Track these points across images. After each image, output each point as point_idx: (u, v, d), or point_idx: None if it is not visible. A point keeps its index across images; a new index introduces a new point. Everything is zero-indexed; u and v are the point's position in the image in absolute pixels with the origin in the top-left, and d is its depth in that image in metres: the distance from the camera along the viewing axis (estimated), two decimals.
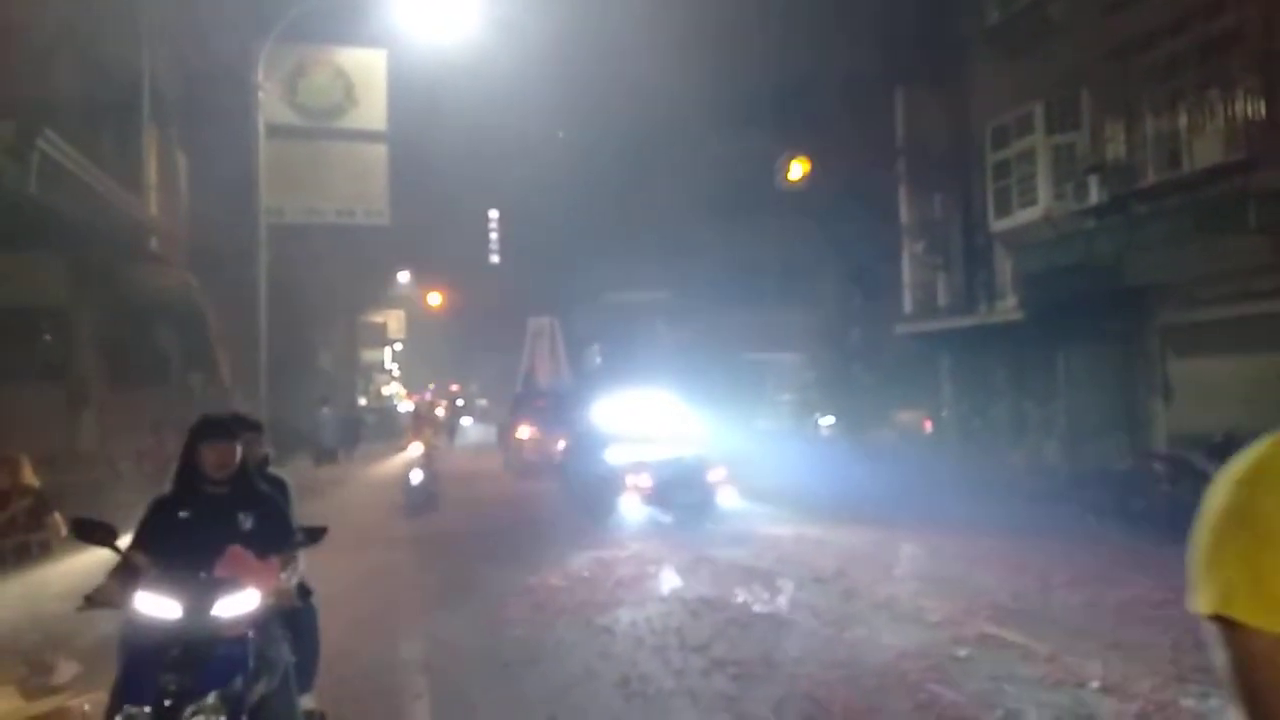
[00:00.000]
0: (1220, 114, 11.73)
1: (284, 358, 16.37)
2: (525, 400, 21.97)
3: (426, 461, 13.52)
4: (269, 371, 13.58)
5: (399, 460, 13.02)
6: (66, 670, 5.79)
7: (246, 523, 3.25)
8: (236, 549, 3.05)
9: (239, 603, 2.88)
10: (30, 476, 6.36)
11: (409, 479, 13.13)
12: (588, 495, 12.38)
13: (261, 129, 12.71)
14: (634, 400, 14.26)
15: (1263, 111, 11.12)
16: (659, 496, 11.48)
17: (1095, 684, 5.20)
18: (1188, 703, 4.86)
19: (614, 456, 12.10)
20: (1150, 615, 6.64)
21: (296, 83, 13.47)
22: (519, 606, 7.43)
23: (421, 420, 14.79)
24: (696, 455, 12.13)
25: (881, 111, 18.05)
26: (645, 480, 11.43)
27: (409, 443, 14.17)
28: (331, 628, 6.84)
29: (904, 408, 16.45)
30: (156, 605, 2.84)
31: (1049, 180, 14.31)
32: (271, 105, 12.93)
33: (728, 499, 11.88)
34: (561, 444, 17.09)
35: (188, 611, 2.78)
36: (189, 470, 3.31)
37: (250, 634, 2.92)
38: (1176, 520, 9.59)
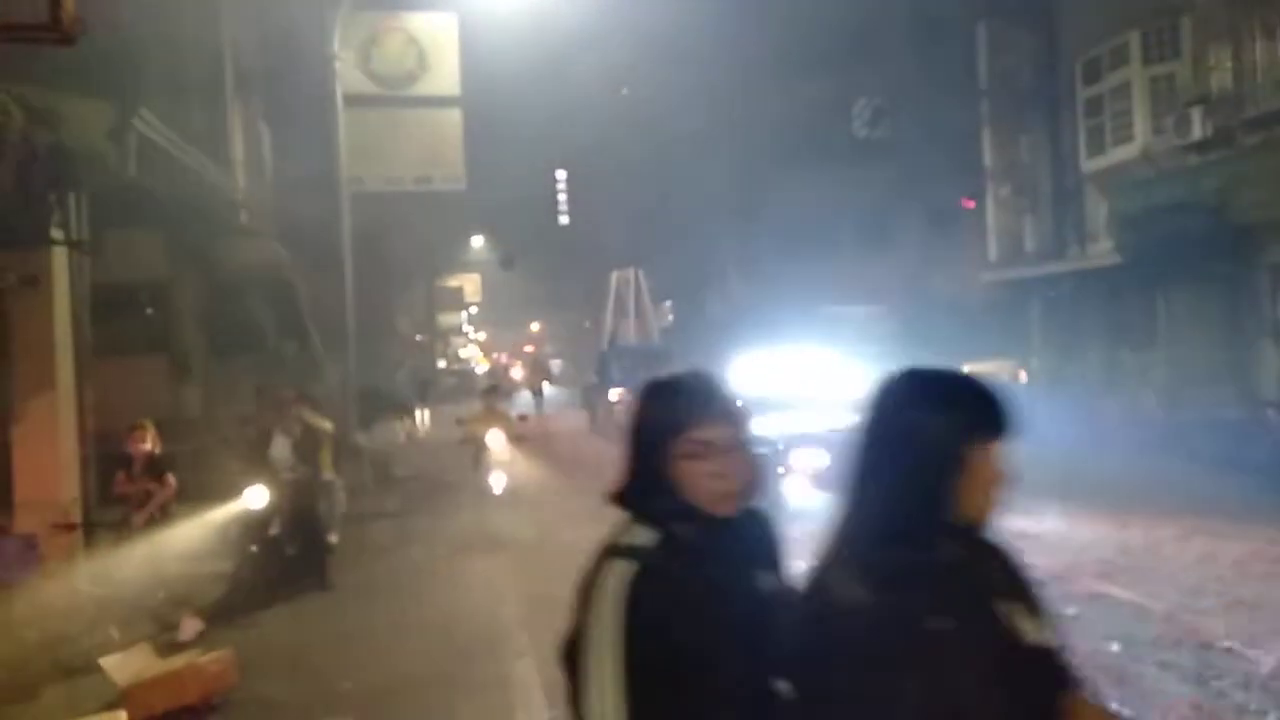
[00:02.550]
0: None
1: (367, 324, 16.79)
2: (613, 359, 20.82)
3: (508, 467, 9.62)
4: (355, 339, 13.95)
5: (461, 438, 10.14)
6: (191, 627, 6.13)
7: None
8: None
9: None
10: (155, 442, 6.68)
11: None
12: None
13: (340, 99, 12.89)
14: (779, 357, 11.73)
15: None
16: (836, 479, 10.01)
17: (1222, 644, 5.01)
18: None
19: (771, 427, 9.66)
20: (1272, 571, 6.37)
21: (370, 51, 13.57)
22: None
23: (495, 398, 10.40)
24: None
25: (962, 49, 17.30)
26: (818, 458, 9.08)
27: (479, 429, 9.59)
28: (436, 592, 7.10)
29: (991, 358, 15.94)
30: None
31: (1147, 115, 13.55)
32: (348, 75, 13.07)
33: None
34: None
35: None
36: None
37: None
38: None
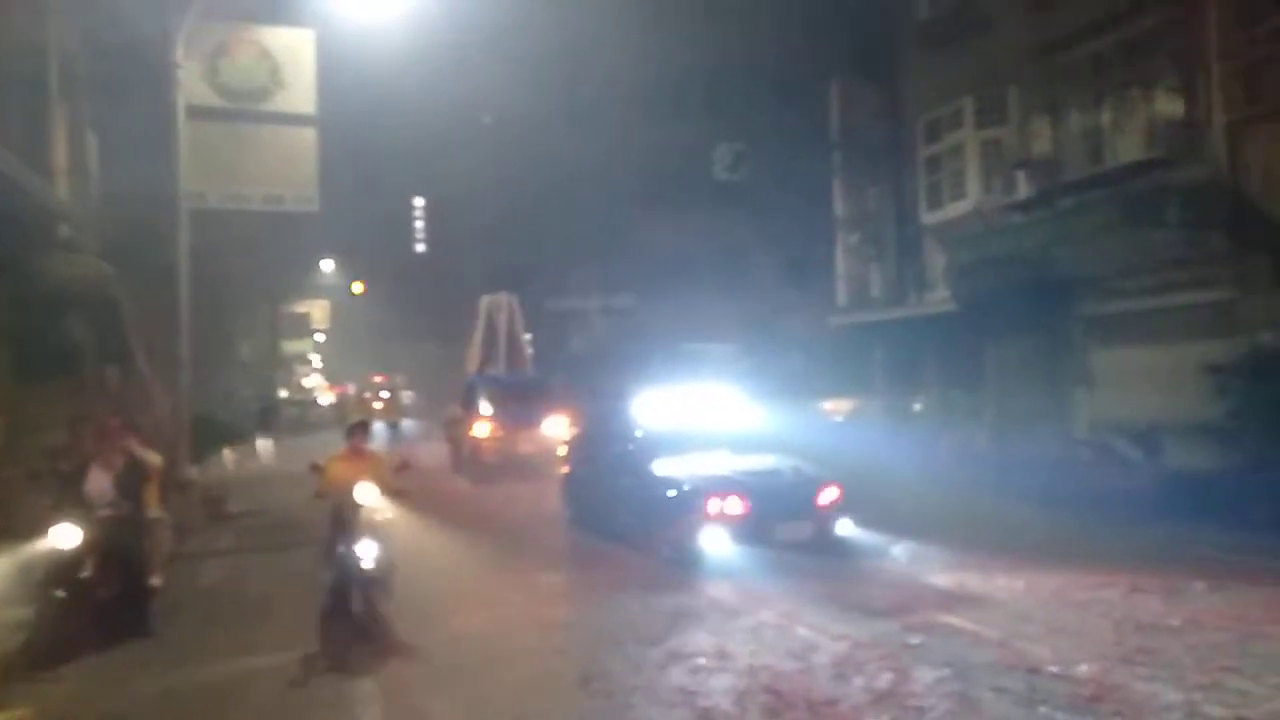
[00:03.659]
0: (1141, 112, 12.19)
1: (203, 349, 15.71)
2: (483, 390, 18.73)
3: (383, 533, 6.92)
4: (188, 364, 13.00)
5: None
6: None
7: None
8: None
9: None
10: None
11: (347, 556, 6.51)
12: (641, 523, 9.09)
13: (181, 110, 12.10)
14: (678, 394, 10.69)
15: (1181, 110, 11.59)
16: (754, 528, 8.27)
17: (1048, 668, 5.33)
18: (1138, 685, 5.01)
19: (682, 469, 8.99)
20: (1086, 599, 6.86)
21: (219, 63, 12.84)
22: None
23: (363, 437, 7.25)
24: (795, 468, 9.24)
25: (816, 104, 18.25)
26: (735, 505, 8.29)
27: (342, 477, 6.86)
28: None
29: (836, 396, 16.69)
30: None
31: (978, 174, 14.68)
32: (192, 85, 12.30)
33: (845, 530, 8.89)
34: (555, 446, 14.54)
35: None
36: None
37: None
38: (1100, 503, 9.95)
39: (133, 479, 6.65)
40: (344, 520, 6.67)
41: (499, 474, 15.89)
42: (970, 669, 5.37)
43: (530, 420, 16.98)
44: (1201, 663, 5.33)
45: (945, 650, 5.74)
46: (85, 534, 6.23)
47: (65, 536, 6.17)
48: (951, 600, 7.00)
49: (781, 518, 8.52)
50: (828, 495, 8.82)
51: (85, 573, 6.21)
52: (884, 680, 5.23)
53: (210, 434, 14.94)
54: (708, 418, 10.27)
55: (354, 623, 6.38)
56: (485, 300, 23.24)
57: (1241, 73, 10.80)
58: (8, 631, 6.22)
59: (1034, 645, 5.77)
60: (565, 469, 11.80)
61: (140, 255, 13.95)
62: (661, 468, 9.22)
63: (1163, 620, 6.25)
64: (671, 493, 8.79)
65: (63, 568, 6.17)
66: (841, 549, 8.79)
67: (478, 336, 22.90)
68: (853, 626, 6.33)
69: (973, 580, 7.62)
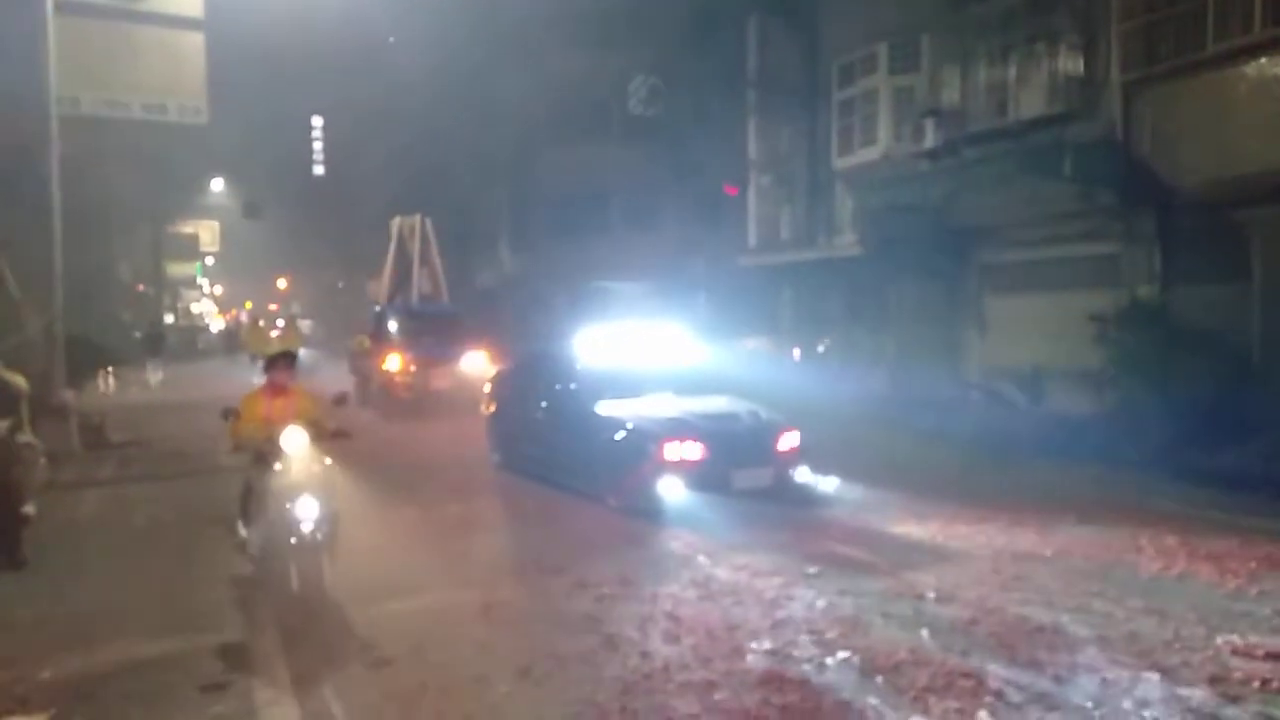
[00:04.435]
0: (1045, 67, 12.51)
1: (77, 268, 14.70)
2: (394, 320, 17.45)
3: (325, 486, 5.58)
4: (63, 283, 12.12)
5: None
6: None
7: None
8: None
9: None
10: None
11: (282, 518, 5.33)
12: (584, 470, 8.50)
13: (50, 4, 11.04)
14: (617, 332, 9.91)
15: (1081, 68, 11.96)
16: (712, 475, 7.79)
17: (931, 594, 5.60)
18: (1012, 609, 5.33)
19: (630, 411, 8.37)
20: (969, 531, 7.23)
21: None
22: None
23: (287, 372, 6.14)
24: (751, 411, 8.68)
25: (734, 41, 18.06)
26: (692, 450, 7.80)
27: (261, 420, 5.82)
28: None
29: (748, 336, 16.91)
30: None
31: (889, 121, 14.87)
32: None
33: (803, 477, 8.47)
34: (473, 382, 13.83)
35: None
36: None
37: None
38: (986, 443, 10.44)
39: (1, 403, 6.19)
40: (272, 473, 5.44)
41: (412, 411, 15.09)
42: (863, 595, 5.60)
43: (446, 355, 16.10)
44: (1069, 588, 5.70)
45: (841, 579, 5.96)
46: None
47: None
48: (847, 533, 7.26)
49: (740, 464, 7.99)
50: (787, 441, 8.35)
51: None
52: (781, 611, 5.40)
53: (88, 357, 14.09)
54: (650, 357, 9.59)
55: (293, 602, 5.18)
56: (396, 221, 21.27)
57: (1140, 31, 11.17)
58: None
59: (919, 574, 6.05)
60: (491, 408, 10.96)
61: (6, 163, 12.85)
62: (608, 409, 8.52)
63: (1037, 551, 6.64)
64: (620, 436, 8.17)
65: None
66: (801, 497, 8.33)
67: (388, 262, 21.09)
68: (751, 558, 6.49)
69: (869, 513, 7.91)
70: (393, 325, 17.20)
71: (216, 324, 48.10)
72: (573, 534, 7.39)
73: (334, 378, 19.38)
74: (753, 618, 5.25)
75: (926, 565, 6.28)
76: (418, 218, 20.58)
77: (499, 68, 27.55)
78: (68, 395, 11.06)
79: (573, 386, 9.26)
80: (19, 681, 4.31)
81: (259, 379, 25.24)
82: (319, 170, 51.71)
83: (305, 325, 35.65)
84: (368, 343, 17.74)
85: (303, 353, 28.43)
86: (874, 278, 14.99)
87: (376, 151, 40.19)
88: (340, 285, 48.42)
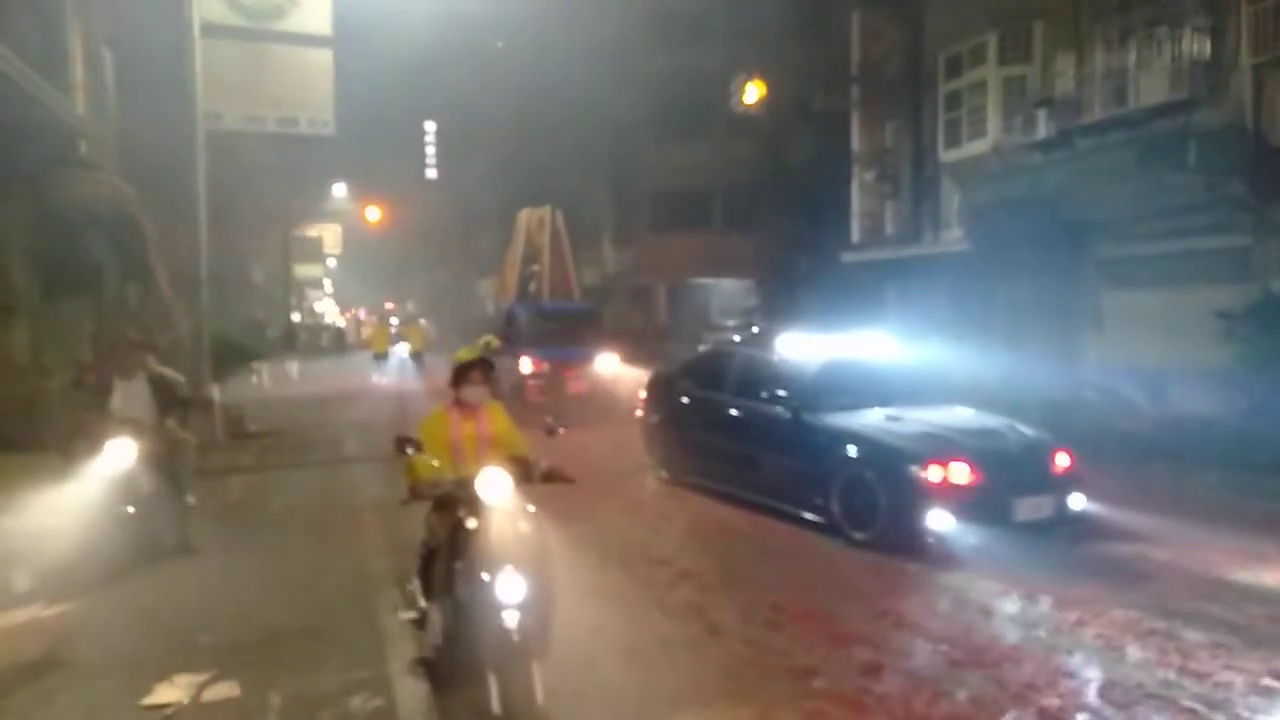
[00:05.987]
0: (1167, 52, 11.99)
1: (218, 272, 15.85)
2: (524, 321, 16.31)
3: (535, 554, 3.95)
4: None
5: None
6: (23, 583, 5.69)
7: None
8: None
9: None
10: None
11: (478, 596, 3.81)
12: (810, 495, 7.24)
13: (197, 26, 12.00)
14: (818, 338, 8.61)
15: (1207, 51, 11.41)
16: (988, 504, 6.48)
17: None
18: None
19: (871, 425, 7.13)
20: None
21: None
22: None
23: (484, 386, 4.49)
24: (1010, 426, 7.32)
25: (837, 36, 17.93)
26: (961, 473, 6.50)
27: (451, 445, 4.33)
28: None
29: (865, 331, 16.69)
30: None
31: (999, 112, 14.52)
32: (206, 2, 12.16)
33: (1079, 504, 6.94)
34: (610, 385, 13.20)
35: None
36: None
37: None
38: (1104, 444, 10.04)
39: (166, 398, 6.84)
40: (465, 535, 3.91)
41: (549, 417, 14.44)
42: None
43: (581, 356, 15.32)
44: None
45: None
46: (140, 450, 6.35)
47: (122, 453, 6.28)
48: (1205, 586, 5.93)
49: (1021, 490, 6.61)
50: (1062, 461, 6.98)
51: (148, 489, 6.36)
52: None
53: (229, 355, 15.20)
54: (866, 361, 8.41)
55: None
56: (524, 215, 19.81)
57: (1272, 13, 10.59)
58: (74, 545, 6.25)
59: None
60: (651, 416, 9.73)
61: (159, 176, 14.00)
62: (839, 422, 7.31)
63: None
64: (865, 456, 6.89)
65: (128, 484, 6.25)
66: (1089, 529, 6.99)
67: (515, 257, 19.58)
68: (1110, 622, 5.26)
69: (1197, 558, 6.52)
70: (523, 325, 16.18)
71: (338, 321, 50.58)
72: (826, 581, 6.06)
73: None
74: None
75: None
76: (547, 209, 19.25)
77: (602, 68, 28.06)
78: (213, 390, 12.00)
79: (782, 393, 7.91)
80: (184, 648, 4.84)
81: (382, 376, 25.83)
82: (432, 174, 53.63)
83: (423, 324, 36.74)
84: (496, 343, 16.13)
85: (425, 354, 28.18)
86: (982, 274, 14.65)
87: (486, 154, 41.47)
88: (451, 285, 50.17)
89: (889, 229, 17.52)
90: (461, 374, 4.45)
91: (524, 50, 34.15)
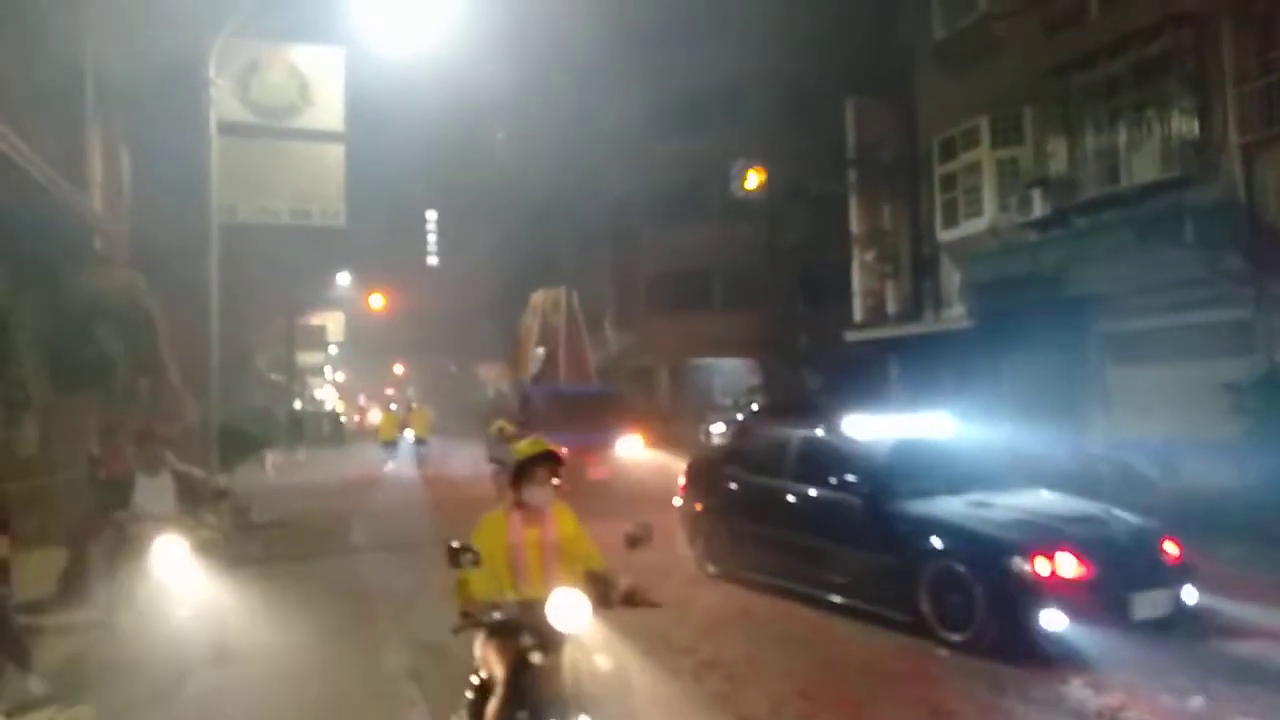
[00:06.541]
0: (1156, 132, 12.36)
1: (224, 361, 15.95)
2: (540, 403, 16.02)
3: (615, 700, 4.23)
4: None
5: None
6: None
7: None
8: None
9: None
10: None
11: None
12: (890, 587, 6.63)
13: (214, 126, 12.36)
14: (879, 419, 8.21)
15: (1196, 131, 11.76)
16: (1103, 600, 5.91)
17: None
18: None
19: (958, 513, 6.56)
20: None
21: (249, 80, 13.11)
22: None
23: (543, 489, 3.68)
24: (1108, 511, 6.85)
25: (832, 121, 18.48)
26: (1069, 565, 5.90)
27: (510, 559, 3.57)
28: None
29: (853, 412, 16.75)
30: None
31: (994, 192, 14.85)
32: (223, 102, 12.55)
33: (1192, 598, 6.31)
34: (639, 470, 12.90)
35: None
36: None
37: None
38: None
39: (185, 490, 6.81)
40: (531, 674, 3.27)
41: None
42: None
43: (601, 440, 14.70)
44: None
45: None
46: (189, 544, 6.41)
47: (172, 550, 6.28)
48: None
49: (1137, 585, 6.02)
50: (1171, 550, 6.41)
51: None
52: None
53: (237, 444, 15.16)
54: (935, 444, 7.93)
55: None
56: (538, 296, 19.15)
57: (1257, 94, 10.96)
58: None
59: None
60: (693, 504, 9.17)
61: (170, 267, 14.22)
62: (921, 509, 6.72)
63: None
64: (958, 547, 6.25)
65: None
66: (1211, 626, 6.36)
67: (528, 337, 19.04)
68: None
69: None
70: (540, 408, 15.66)
71: (338, 408, 50.54)
72: (942, 696, 5.26)
73: (469, 466, 18.67)
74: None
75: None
76: (562, 290, 18.96)
77: (603, 154, 28.79)
78: (223, 480, 11.93)
79: (851, 479, 7.28)
80: None
81: (392, 462, 25.12)
82: (433, 261, 54.43)
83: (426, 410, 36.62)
84: (510, 427, 15.10)
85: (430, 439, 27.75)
86: (986, 351, 14.75)
87: (486, 241, 42.18)
88: (452, 369, 50.37)
89: (890, 307, 17.71)
90: (524, 470, 3.65)
91: (525, 139, 35.13)
